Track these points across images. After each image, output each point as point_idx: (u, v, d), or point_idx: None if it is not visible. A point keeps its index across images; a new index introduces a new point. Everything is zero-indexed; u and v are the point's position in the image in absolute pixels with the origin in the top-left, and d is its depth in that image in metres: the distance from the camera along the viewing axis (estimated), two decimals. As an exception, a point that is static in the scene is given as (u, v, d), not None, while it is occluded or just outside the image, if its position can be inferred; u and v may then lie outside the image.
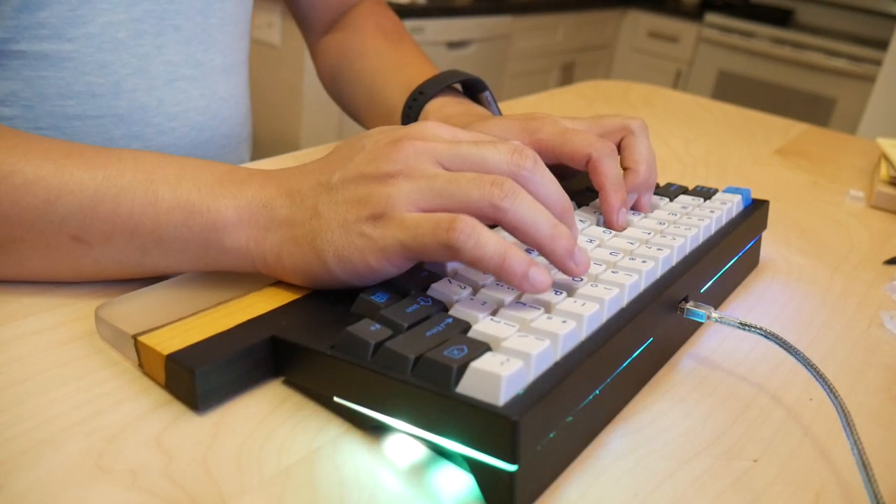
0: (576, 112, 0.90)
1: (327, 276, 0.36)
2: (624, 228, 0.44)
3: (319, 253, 0.35)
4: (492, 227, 0.37)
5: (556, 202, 0.36)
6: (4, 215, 0.36)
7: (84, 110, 0.56)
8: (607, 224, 0.45)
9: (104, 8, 0.54)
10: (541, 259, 0.38)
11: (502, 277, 0.33)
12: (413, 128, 0.37)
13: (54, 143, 0.38)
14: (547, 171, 0.37)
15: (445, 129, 0.38)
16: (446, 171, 0.35)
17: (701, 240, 0.44)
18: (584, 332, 0.33)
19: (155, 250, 0.37)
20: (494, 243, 0.33)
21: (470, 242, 0.32)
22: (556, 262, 0.35)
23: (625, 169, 0.47)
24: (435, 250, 0.33)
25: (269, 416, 0.33)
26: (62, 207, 0.36)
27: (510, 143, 0.37)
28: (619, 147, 0.49)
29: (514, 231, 0.34)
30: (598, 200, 0.49)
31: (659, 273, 0.39)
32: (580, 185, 0.52)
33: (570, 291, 0.35)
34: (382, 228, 0.34)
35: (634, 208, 0.48)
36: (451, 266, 0.38)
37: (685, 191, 0.52)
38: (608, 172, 0.44)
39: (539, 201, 0.35)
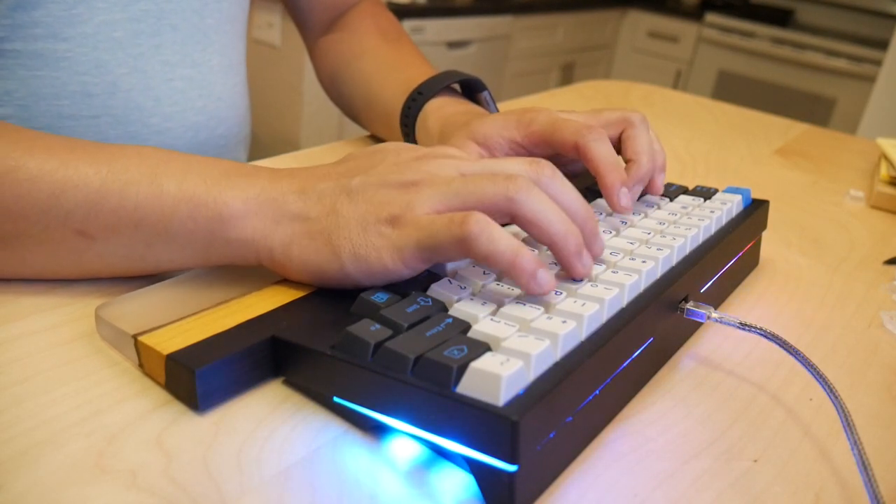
0: (576, 112, 0.90)
1: (338, 273, 0.36)
2: (628, 210, 0.44)
3: (335, 249, 0.35)
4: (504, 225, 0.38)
5: (577, 209, 0.37)
6: (8, 210, 0.36)
7: (79, 110, 0.55)
8: (610, 206, 0.44)
9: (101, 7, 0.54)
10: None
11: (512, 275, 0.34)
12: (435, 147, 0.39)
13: (57, 140, 0.38)
14: (566, 181, 0.37)
15: (463, 152, 0.39)
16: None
17: (701, 240, 0.44)
18: (584, 332, 0.33)
19: (159, 244, 0.37)
20: (507, 239, 0.33)
21: (483, 236, 0.33)
22: (564, 259, 0.35)
23: (627, 161, 0.48)
24: (449, 246, 0.33)
25: (269, 416, 0.33)
26: (67, 202, 0.36)
27: (529, 158, 0.37)
28: (619, 139, 0.49)
29: (528, 225, 0.35)
30: (599, 200, 0.49)
31: (659, 273, 0.39)
32: (580, 186, 0.52)
33: (570, 292, 0.35)
34: (400, 229, 0.35)
35: (648, 191, 0.48)
36: (452, 266, 0.38)
37: (685, 191, 0.52)
38: (598, 154, 0.44)
39: (559, 206, 0.35)
